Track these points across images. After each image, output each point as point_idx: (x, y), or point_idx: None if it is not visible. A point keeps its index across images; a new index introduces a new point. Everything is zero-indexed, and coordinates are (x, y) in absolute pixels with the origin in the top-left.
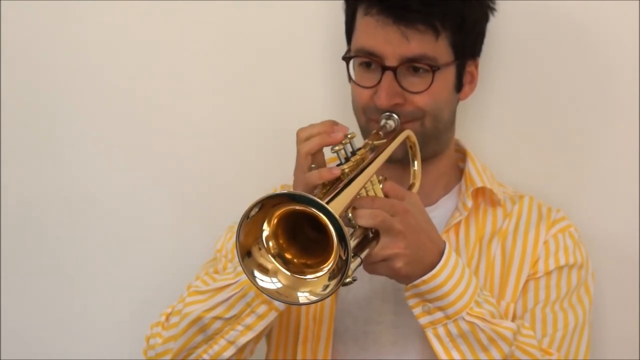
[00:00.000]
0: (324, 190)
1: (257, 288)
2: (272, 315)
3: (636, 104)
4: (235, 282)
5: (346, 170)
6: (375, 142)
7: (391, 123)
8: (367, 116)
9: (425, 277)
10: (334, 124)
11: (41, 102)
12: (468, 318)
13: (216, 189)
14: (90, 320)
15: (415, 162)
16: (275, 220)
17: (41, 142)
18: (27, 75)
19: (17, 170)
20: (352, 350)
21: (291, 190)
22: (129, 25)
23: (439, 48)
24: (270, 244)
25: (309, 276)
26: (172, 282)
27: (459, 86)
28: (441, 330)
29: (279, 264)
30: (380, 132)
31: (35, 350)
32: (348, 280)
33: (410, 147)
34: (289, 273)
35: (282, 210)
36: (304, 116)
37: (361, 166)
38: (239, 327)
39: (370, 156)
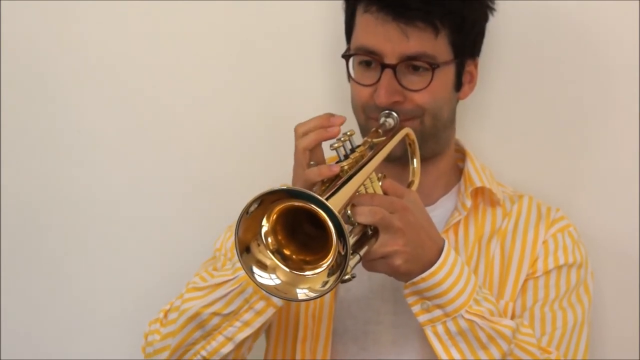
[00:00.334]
0: (323, 187)
1: (256, 284)
2: (270, 311)
3: (636, 104)
4: (234, 278)
5: (345, 168)
6: (375, 140)
7: (390, 121)
8: (367, 114)
9: (424, 275)
10: (330, 116)
11: (41, 102)
12: (467, 316)
13: (216, 188)
14: (89, 318)
15: (415, 160)
16: (275, 216)
17: (41, 141)
18: (27, 75)
19: (17, 169)
20: (351, 350)
21: (290, 186)
22: (128, 25)
23: (438, 46)
24: (269, 240)
25: (307, 272)
26: (171, 281)
27: (458, 85)
28: (440, 328)
29: (278, 260)
30: (380, 130)
31: (35, 350)
32: (347, 277)
33: (410, 144)
34: (287, 269)
35: (281, 207)
36: (303, 114)
37: (360, 163)
38: (237, 323)
39: (370, 154)
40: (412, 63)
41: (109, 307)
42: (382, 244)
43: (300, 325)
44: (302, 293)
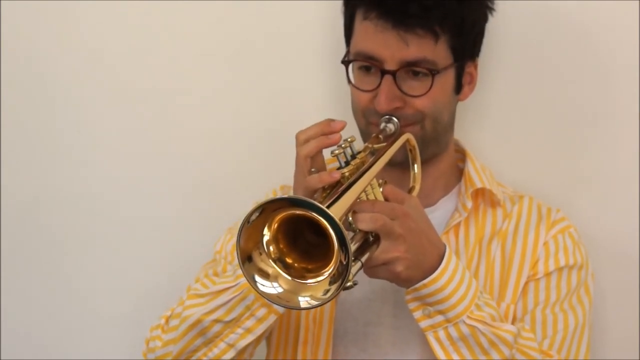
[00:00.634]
0: (324, 194)
1: (258, 293)
2: (272, 318)
3: (636, 104)
4: (235, 285)
5: (346, 174)
6: (375, 146)
7: (391, 126)
8: (367, 119)
9: (425, 281)
10: (330, 121)
11: (41, 102)
12: (468, 321)
13: (216, 188)
14: (89, 318)
15: (415, 166)
16: (276, 225)
17: (40, 141)
18: (27, 75)
19: (17, 169)
20: (352, 352)
21: (291, 194)
22: (129, 25)
23: (438, 52)
24: (271, 248)
25: (309, 280)
26: (171, 281)
27: (458, 88)
28: (442, 334)
29: (280, 269)
30: (380, 136)
31: (35, 350)
32: (349, 284)
33: (410, 150)
34: (289, 277)
35: (282, 215)
36: (304, 118)
37: (361, 170)
38: (239, 330)
39: (370, 160)
40: (412, 68)
41: (109, 307)
42: (384, 251)
43: (301, 327)
44: (304, 301)
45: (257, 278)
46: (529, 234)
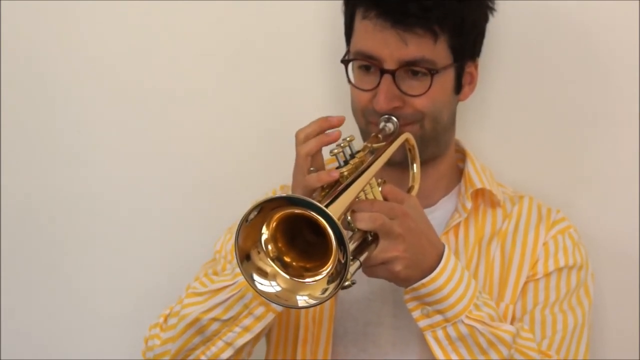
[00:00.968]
0: (323, 193)
1: (256, 292)
2: (270, 316)
3: (636, 104)
4: (233, 284)
5: (345, 174)
6: (375, 145)
7: (390, 126)
8: (367, 119)
9: (424, 281)
10: (328, 117)
11: (41, 101)
12: (467, 321)
13: (216, 190)
14: (89, 318)
15: (415, 165)
16: (274, 224)
17: (40, 141)
18: (27, 75)
19: (17, 169)
20: (351, 352)
21: (290, 193)
22: (129, 25)
23: (437, 51)
24: (269, 247)
25: (308, 280)
26: (171, 281)
27: (458, 88)
28: (440, 334)
29: (278, 268)
30: (380, 135)
31: (35, 350)
32: (347, 283)
33: (409, 149)
34: (288, 276)
35: (281, 214)
36: (304, 118)
37: (360, 169)
38: (237, 329)
39: (370, 159)
40: (411, 68)
41: (108, 307)
42: (382, 250)
43: (300, 327)
44: (302, 300)
45: (256, 277)
46: (529, 234)
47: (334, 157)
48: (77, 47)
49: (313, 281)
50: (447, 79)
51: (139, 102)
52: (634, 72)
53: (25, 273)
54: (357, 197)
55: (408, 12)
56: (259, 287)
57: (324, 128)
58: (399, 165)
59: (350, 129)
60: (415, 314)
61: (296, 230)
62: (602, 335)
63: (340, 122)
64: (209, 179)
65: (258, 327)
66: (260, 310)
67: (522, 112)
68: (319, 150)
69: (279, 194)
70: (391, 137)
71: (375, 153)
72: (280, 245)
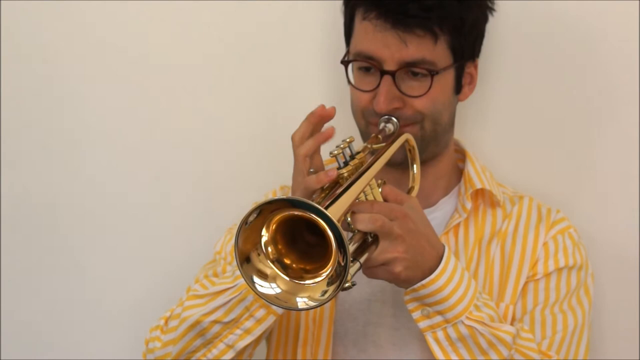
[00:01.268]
0: (323, 195)
1: (256, 294)
2: (271, 319)
3: (636, 104)
4: (234, 286)
5: (345, 175)
6: (374, 146)
7: (390, 126)
8: (367, 119)
9: (424, 282)
10: (312, 112)
11: (44, 101)
12: (467, 322)
13: (216, 190)
14: (89, 318)
15: (415, 166)
16: (274, 226)
17: (41, 141)
18: (30, 73)
19: (17, 168)
20: (351, 352)
21: (289, 195)
22: (132, 25)
23: (437, 52)
24: (269, 249)
25: (307, 281)
26: (172, 284)
27: (458, 88)
28: (440, 334)
29: (278, 270)
30: (379, 136)
31: (36, 350)
32: (347, 285)
33: (409, 150)
34: (287, 278)
35: (280, 216)
36: (303, 117)
37: (360, 170)
38: (238, 331)
39: (369, 160)
40: (411, 69)
41: (108, 307)
42: (382, 251)
43: (301, 327)
44: (302, 302)
45: (256, 279)
46: (529, 234)
47: (334, 158)
48: (78, 46)
49: (313, 283)
50: (447, 79)
51: (139, 103)
52: (634, 71)
53: (25, 273)
54: (357, 198)
55: (408, 13)
56: (259, 289)
57: (314, 123)
58: (399, 166)
59: (350, 129)
60: (416, 315)
61: (296, 232)
62: (602, 335)
63: (328, 113)
64: (209, 180)
65: (259, 330)
66: (261, 312)
67: (522, 112)
68: (317, 151)
69: (279, 196)
70: (391, 138)
71: (375, 154)
72: (280, 247)
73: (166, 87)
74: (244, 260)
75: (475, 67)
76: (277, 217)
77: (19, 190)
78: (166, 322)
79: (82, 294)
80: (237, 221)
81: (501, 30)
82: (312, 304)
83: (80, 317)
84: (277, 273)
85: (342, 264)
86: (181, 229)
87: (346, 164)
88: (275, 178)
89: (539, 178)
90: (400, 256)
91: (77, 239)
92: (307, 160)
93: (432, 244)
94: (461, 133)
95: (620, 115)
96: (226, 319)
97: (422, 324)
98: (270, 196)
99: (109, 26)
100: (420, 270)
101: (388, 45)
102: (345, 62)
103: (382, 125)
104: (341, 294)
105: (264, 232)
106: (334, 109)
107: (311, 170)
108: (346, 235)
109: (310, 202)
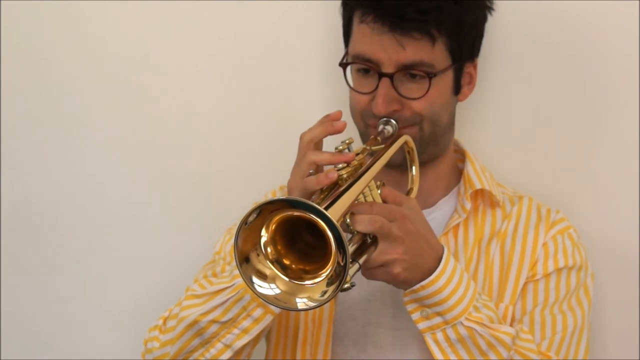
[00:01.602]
0: (322, 196)
1: (256, 294)
2: (268, 318)
3: (636, 104)
4: (231, 286)
5: (344, 176)
6: (374, 148)
7: (389, 128)
8: (365, 121)
9: (423, 283)
10: (332, 123)
11: (41, 101)
12: (466, 323)
13: (216, 191)
14: (89, 319)
15: (413, 168)
16: (274, 226)
17: (41, 141)
18: (27, 75)
19: (18, 168)
20: (351, 352)
21: (289, 195)
22: (132, 26)
23: (435, 54)
24: (269, 249)
25: (307, 282)
26: (172, 284)
27: (457, 88)
28: (440, 336)
29: (277, 270)
30: (378, 138)
31: (35, 350)
32: (346, 286)
33: (408, 152)
34: (287, 279)
35: (280, 216)
36: (303, 119)
37: (359, 171)
38: (236, 331)
39: (369, 161)
40: (409, 71)
41: (108, 308)
42: (381, 252)
43: (300, 327)
44: (301, 302)
45: (255, 279)
46: (528, 234)
47: None
48: (78, 47)
49: (312, 284)
50: (445, 80)
51: (139, 103)
52: (634, 71)
53: (25, 273)
54: (356, 199)
55: (405, 16)
56: (259, 289)
57: (329, 132)
58: (398, 167)
59: (349, 131)
60: (415, 316)
61: (295, 233)
62: (602, 335)
63: (338, 117)
64: (209, 180)
65: (257, 329)
66: (258, 312)
67: (522, 112)
68: (321, 142)
69: (279, 196)
70: (390, 140)
71: (374, 155)
72: (279, 247)
73: (166, 87)
74: (243, 260)
75: (475, 67)
76: (277, 218)
77: (19, 190)
78: (164, 322)
79: (82, 294)
80: (237, 221)
81: (501, 30)
82: (311, 304)
83: (80, 317)
84: (276, 274)
85: (342, 264)
86: (181, 229)
87: (346, 165)
88: (275, 178)
89: (539, 178)
90: (399, 257)
91: (77, 239)
92: (310, 145)
93: (431, 245)
94: (461, 133)
95: (620, 115)
96: (224, 319)
97: (422, 325)
98: (270, 196)
99: (109, 26)
100: (420, 272)
101: (385, 48)
102: (343, 65)
103: (381, 127)
104: (340, 294)
105: (263, 232)
106: (344, 125)
107: (311, 171)
108: (345, 236)
109: (311, 202)
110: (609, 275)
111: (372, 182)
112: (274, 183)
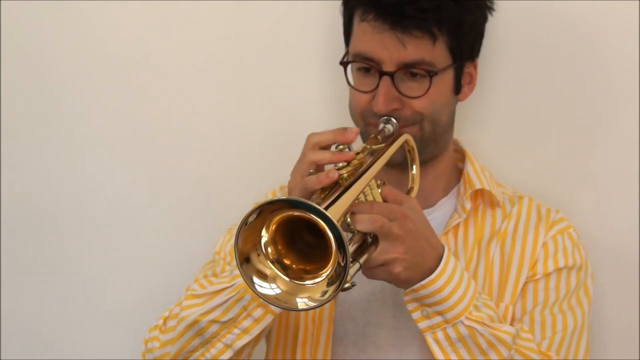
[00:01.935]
0: (322, 195)
1: (256, 294)
2: (269, 318)
3: (636, 104)
4: (232, 286)
5: (344, 175)
6: (374, 147)
7: (389, 127)
8: (366, 120)
9: (424, 282)
10: (345, 129)
11: (41, 101)
12: (467, 322)
13: (216, 191)
14: (90, 323)
15: (414, 166)
16: (274, 226)
17: (41, 141)
18: (27, 75)
19: (18, 167)
20: (351, 352)
21: (289, 195)
22: (132, 27)
23: (436, 53)
24: (269, 249)
25: (307, 282)
26: (172, 284)
27: (457, 88)
28: (440, 335)
29: (278, 270)
30: (379, 137)
31: (35, 350)
32: (347, 285)
33: (409, 151)
34: (287, 279)
35: (280, 216)
36: (304, 119)
37: (360, 171)
38: (236, 331)
39: (369, 161)
40: (410, 70)
41: (108, 308)
42: (382, 252)
43: (300, 328)
44: (302, 302)
45: (255, 279)
46: (528, 234)
47: None
48: (78, 47)
49: (313, 283)
50: (446, 80)
51: (139, 103)
52: (634, 71)
53: (25, 273)
54: (356, 199)
55: (405, 14)
56: (259, 289)
57: (338, 139)
58: (398, 166)
59: None
60: (415, 315)
61: (296, 233)
62: (602, 335)
63: (356, 134)
64: (209, 180)
65: (257, 329)
66: (258, 312)
67: (522, 112)
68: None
69: (279, 196)
70: (390, 139)
71: (375, 155)
72: (279, 247)
73: (166, 87)
74: (244, 260)
75: (475, 67)
76: (277, 218)
77: (19, 190)
78: (164, 322)
79: (82, 294)
80: (237, 221)
81: (501, 30)
82: (312, 304)
83: (80, 317)
84: (276, 274)
85: (342, 264)
86: (181, 229)
87: (346, 164)
88: (275, 178)
89: (539, 178)
90: (400, 257)
91: (77, 239)
92: (316, 147)
93: (432, 244)
94: (461, 133)
95: (620, 115)
96: (224, 319)
97: (422, 325)
98: (270, 197)
99: (109, 26)
100: (420, 271)
101: (386, 46)
102: (344, 63)
103: (381, 126)
104: (341, 294)
105: (263, 232)
106: (356, 134)
107: (311, 171)
108: (346, 235)
109: (311, 202)
110: (609, 275)
111: (373, 181)
112: (274, 183)
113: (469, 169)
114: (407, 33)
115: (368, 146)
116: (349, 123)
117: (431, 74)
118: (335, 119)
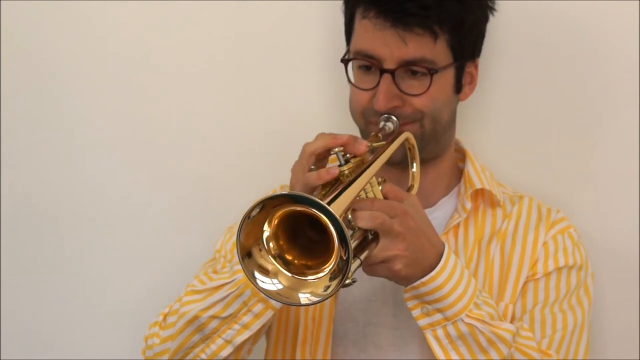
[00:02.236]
0: (324, 192)
1: (258, 289)
2: (269, 313)
3: (636, 104)
4: (232, 281)
5: (346, 172)
6: (374, 144)
7: (390, 125)
8: (366, 118)
9: (424, 279)
10: (356, 138)
11: (41, 101)
12: (467, 320)
13: (216, 190)
14: (89, 321)
15: (414, 164)
16: (276, 221)
17: (41, 141)
18: (27, 75)
19: (18, 167)
20: (351, 352)
21: (291, 191)
22: (132, 26)
23: (437, 51)
24: (271, 244)
25: (309, 277)
26: (172, 282)
27: (458, 87)
28: (440, 332)
29: (280, 265)
30: (379, 134)
31: (36, 350)
32: (348, 281)
33: (409, 149)
34: (289, 274)
35: (282, 211)
36: (304, 118)
37: (361, 168)
38: (236, 326)
39: (370, 158)
40: (411, 67)
41: (109, 307)
42: (383, 249)
43: (300, 326)
44: (304, 297)
45: (257, 274)
46: (529, 234)
47: (335, 155)
48: (78, 47)
49: (315, 279)
50: (446, 78)
51: (139, 103)
52: (634, 71)
53: (25, 273)
54: (357, 195)
55: (407, 11)
56: (261, 284)
57: (332, 147)
58: (398, 164)
59: (350, 128)
60: (415, 312)
61: (298, 228)
62: (602, 335)
63: (366, 148)
64: (209, 180)
65: (257, 324)
66: (259, 307)
67: (522, 112)
68: (326, 152)
69: (282, 191)
70: (391, 137)
71: (375, 152)
72: (281, 242)
73: (166, 87)
74: (246, 255)
75: (476, 66)
76: (280, 213)
77: (19, 190)
78: (164, 318)
79: (82, 294)
80: (238, 220)
81: (502, 30)
82: (314, 299)
83: (80, 317)
84: (278, 269)
85: (344, 258)
86: (181, 229)
87: (347, 161)
88: (275, 178)
89: (539, 178)
90: (400, 254)
91: (77, 239)
92: (312, 157)
93: (432, 241)
94: (462, 133)
95: (620, 115)
96: (224, 314)
97: (422, 322)
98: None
99: (109, 26)
100: (420, 268)
101: (387, 43)
102: (345, 61)
103: (381, 123)
104: (341, 293)
105: (266, 227)
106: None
107: (312, 167)
108: (348, 230)
109: (314, 198)
110: (609, 275)
111: (373, 178)
112: (274, 183)
113: (469, 168)
114: (408, 30)
115: (369, 144)
116: (349, 123)
117: (432, 71)
118: (336, 119)
